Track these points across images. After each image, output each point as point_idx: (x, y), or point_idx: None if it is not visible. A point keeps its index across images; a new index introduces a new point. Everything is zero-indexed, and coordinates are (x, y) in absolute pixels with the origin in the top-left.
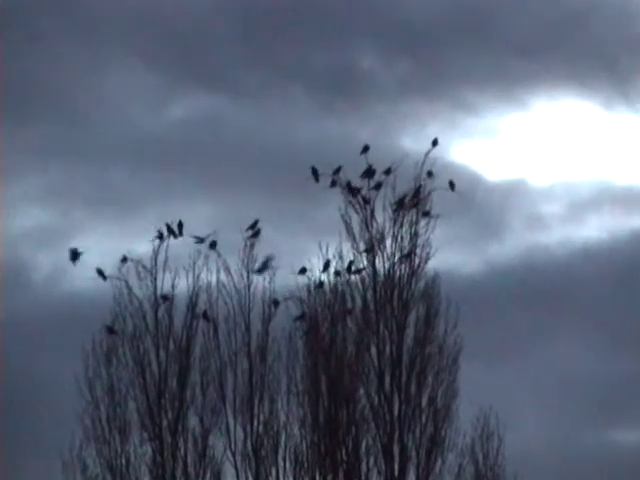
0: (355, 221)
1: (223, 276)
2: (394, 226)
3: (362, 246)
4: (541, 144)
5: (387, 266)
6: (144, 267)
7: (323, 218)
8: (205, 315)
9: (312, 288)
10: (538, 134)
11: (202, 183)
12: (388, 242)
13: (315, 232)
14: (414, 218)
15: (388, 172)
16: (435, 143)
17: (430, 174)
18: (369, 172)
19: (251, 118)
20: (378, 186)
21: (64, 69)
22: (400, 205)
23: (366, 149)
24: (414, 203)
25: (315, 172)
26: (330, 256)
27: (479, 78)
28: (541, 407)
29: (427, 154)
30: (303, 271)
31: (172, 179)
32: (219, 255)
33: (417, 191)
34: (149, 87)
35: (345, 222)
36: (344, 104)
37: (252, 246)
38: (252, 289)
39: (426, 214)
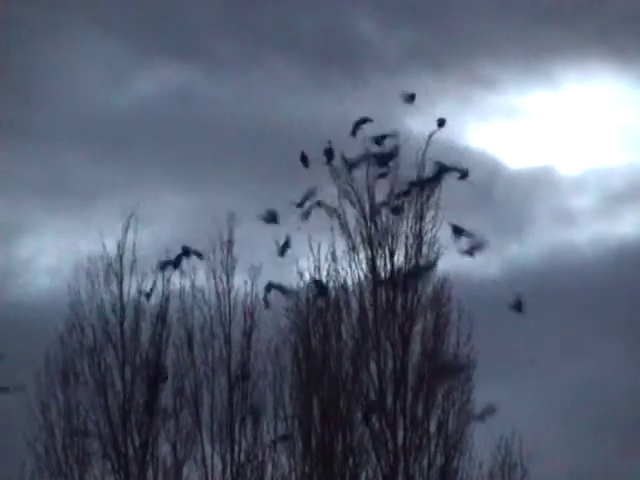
0: (351, 214)
1: (200, 279)
2: (395, 221)
3: (359, 244)
4: (571, 126)
5: (388, 268)
6: (110, 267)
7: (314, 213)
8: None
9: (306, 293)
10: (568, 114)
11: (173, 169)
12: (389, 240)
13: (305, 228)
14: (419, 211)
15: (389, 157)
16: (441, 123)
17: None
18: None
19: (230, 94)
20: (383, 175)
21: (8, 36)
22: (405, 195)
23: (363, 122)
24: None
25: (304, 159)
26: (321, 256)
27: (498, 48)
28: (572, 433)
29: (430, 136)
30: (285, 247)
31: (138, 165)
32: (199, 256)
33: (417, 182)
34: (110, 57)
35: (338, 216)
36: (338, 77)
37: (231, 244)
38: (233, 295)
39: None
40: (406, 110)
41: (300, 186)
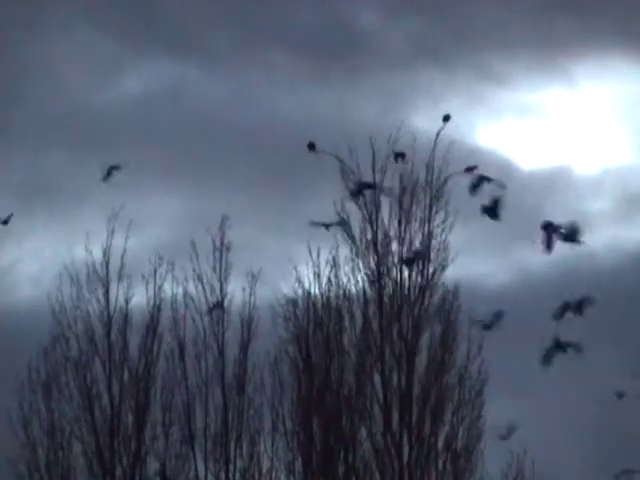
0: (355, 218)
1: (192, 287)
2: (402, 225)
3: (363, 249)
4: (588, 124)
5: (394, 275)
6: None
7: (315, 214)
8: None
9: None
10: (584, 111)
11: (163, 170)
12: (394, 246)
13: (305, 232)
14: (426, 214)
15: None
16: (446, 119)
17: (400, 156)
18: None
19: (224, 91)
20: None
21: None
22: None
23: (446, 119)
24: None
25: (313, 146)
26: (322, 262)
27: (510, 41)
28: (589, 451)
29: (438, 133)
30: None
31: (127, 166)
32: (196, 255)
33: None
34: (97, 52)
35: (342, 219)
36: (339, 73)
37: (227, 250)
38: (227, 303)
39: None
40: (412, 107)
41: (299, 188)
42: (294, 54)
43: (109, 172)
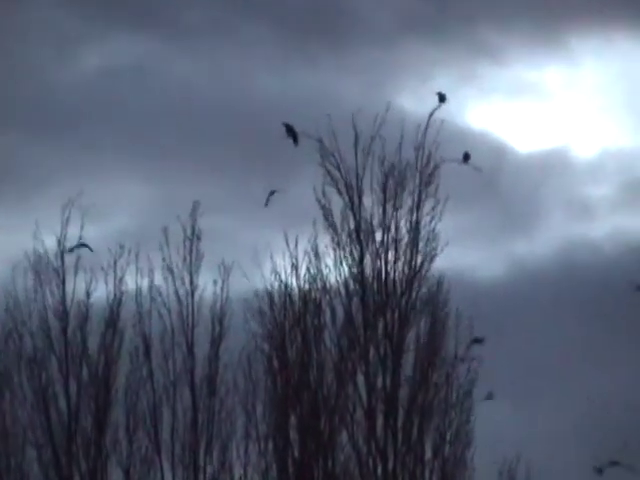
0: (336, 205)
1: (158, 279)
2: (387, 212)
3: (345, 239)
4: (587, 104)
5: (378, 266)
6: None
7: (293, 201)
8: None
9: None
10: (584, 90)
11: (128, 154)
12: (379, 235)
13: (282, 220)
14: (415, 200)
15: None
16: (442, 99)
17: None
18: (466, 156)
19: (194, 68)
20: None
21: None
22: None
23: (442, 99)
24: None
25: (291, 130)
26: (300, 252)
27: (506, 13)
28: (585, 457)
29: (432, 114)
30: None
31: (87, 148)
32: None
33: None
34: (56, 27)
35: (323, 207)
36: (323, 49)
37: (198, 239)
38: (197, 297)
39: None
40: (398, 85)
41: (277, 173)
42: (271, 27)
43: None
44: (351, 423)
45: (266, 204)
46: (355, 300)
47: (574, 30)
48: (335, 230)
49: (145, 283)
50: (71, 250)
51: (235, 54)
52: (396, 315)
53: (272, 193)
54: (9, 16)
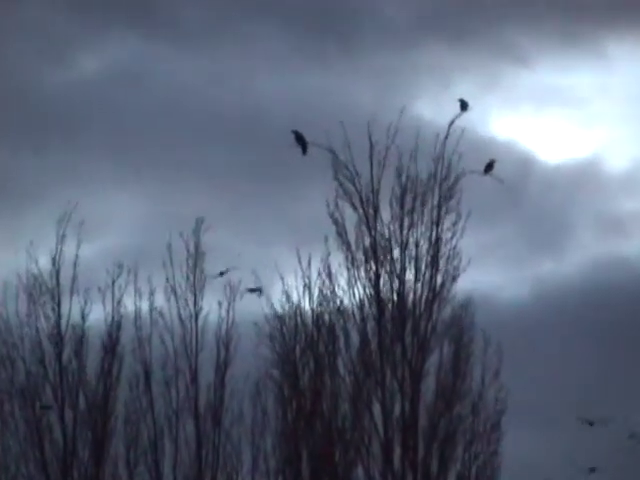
0: (350, 221)
1: (159, 300)
2: (405, 228)
3: (360, 257)
4: (622, 111)
5: (396, 286)
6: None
7: (304, 216)
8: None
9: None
10: (617, 96)
11: (125, 164)
12: (396, 253)
13: (291, 236)
14: (435, 216)
15: None
16: (464, 106)
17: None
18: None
19: (196, 70)
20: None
21: None
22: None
23: (464, 107)
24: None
25: (301, 138)
26: (313, 272)
27: (533, 15)
28: None
29: (452, 123)
30: (255, 290)
31: (81, 158)
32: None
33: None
34: (48, 28)
35: (336, 222)
36: (334, 51)
37: (202, 257)
38: (201, 320)
39: None
40: (416, 91)
41: (285, 185)
42: (279, 27)
43: None
44: (367, 456)
45: (221, 275)
46: (371, 323)
47: (608, 33)
48: (349, 248)
49: (145, 305)
50: (221, 274)
51: (239, 55)
52: (415, 339)
53: (222, 274)
54: (6, 18)
